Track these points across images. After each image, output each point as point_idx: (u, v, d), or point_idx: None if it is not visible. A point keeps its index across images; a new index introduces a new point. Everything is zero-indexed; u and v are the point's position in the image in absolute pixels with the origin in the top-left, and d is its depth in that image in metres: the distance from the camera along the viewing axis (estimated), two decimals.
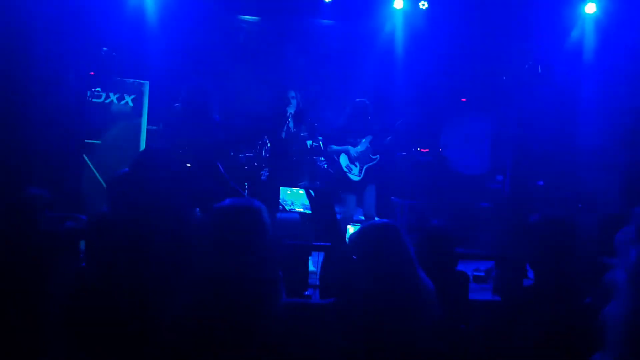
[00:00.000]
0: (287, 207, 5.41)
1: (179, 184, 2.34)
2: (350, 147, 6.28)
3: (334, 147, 6.33)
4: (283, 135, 5.88)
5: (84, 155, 6.00)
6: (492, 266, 5.41)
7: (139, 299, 2.10)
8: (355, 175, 6.32)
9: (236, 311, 1.74)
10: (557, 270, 2.25)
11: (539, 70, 5.15)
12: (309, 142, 5.86)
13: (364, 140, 6.27)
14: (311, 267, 5.47)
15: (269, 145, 6.13)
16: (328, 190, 2.16)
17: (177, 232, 2.21)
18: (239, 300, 1.74)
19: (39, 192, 2.83)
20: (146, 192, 2.27)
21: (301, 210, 5.31)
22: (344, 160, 6.37)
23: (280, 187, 4.98)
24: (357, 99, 6.44)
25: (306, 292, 4.05)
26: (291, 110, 5.88)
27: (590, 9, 7.21)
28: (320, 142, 6.91)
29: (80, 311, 2.12)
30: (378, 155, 6.30)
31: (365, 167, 6.29)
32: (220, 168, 2.53)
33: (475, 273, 5.48)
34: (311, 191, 2.15)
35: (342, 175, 6.31)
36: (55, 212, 3.01)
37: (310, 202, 2.15)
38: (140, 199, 2.26)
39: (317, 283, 4.58)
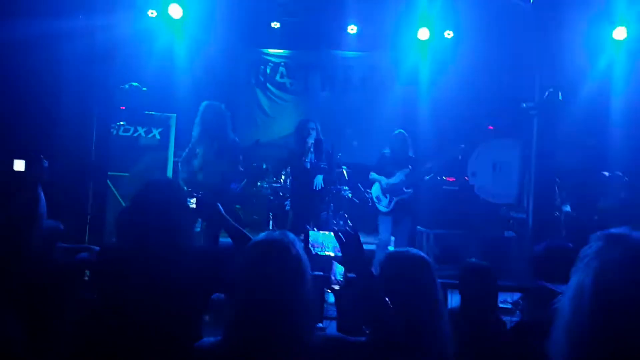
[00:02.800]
0: (317, 250, 5.41)
1: (180, 215, 2.36)
2: (383, 178, 6.28)
3: (374, 174, 6.39)
4: (308, 165, 5.90)
5: (113, 188, 6.14)
6: (519, 298, 5.27)
7: (140, 328, 2.10)
8: (383, 206, 6.29)
9: (271, 345, 1.76)
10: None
11: (560, 97, 5.06)
12: (320, 178, 5.89)
13: (399, 172, 6.24)
14: (332, 299, 5.45)
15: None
16: (356, 232, 2.17)
17: (175, 262, 2.22)
18: (274, 335, 1.76)
19: (51, 224, 2.88)
20: (147, 223, 2.29)
21: (332, 254, 5.31)
22: (375, 190, 6.38)
23: (310, 231, 5.00)
24: (396, 131, 6.45)
25: (320, 325, 4.00)
26: (311, 140, 5.92)
27: (620, 34, 7.07)
28: (345, 172, 6.93)
29: (87, 343, 2.15)
30: (411, 189, 6.26)
31: (395, 200, 6.25)
32: (221, 209, 2.55)
33: (503, 305, 5.35)
34: (340, 234, 2.16)
35: (372, 204, 6.38)
36: (71, 244, 3.07)
37: (340, 244, 2.16)
38: (142, 229, 2.29)
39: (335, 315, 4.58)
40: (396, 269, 2.12)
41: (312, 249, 4.67)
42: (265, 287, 1.78)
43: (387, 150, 6.46)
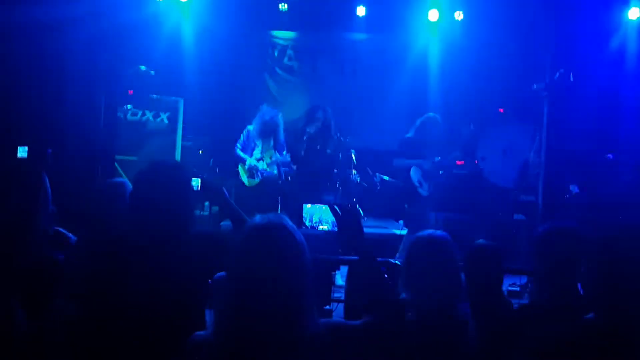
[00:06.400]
0: (311, 225, 5.36)
1: (184, 198, 2.35)
2: (423, 162, 6.24)
3: (405, 160, 6.29)
4: (302, 153, 5.93)
5: (121, 171, 6.16)
6: (527, 281, 5.26)
7: (140, 316, 2.06)
8: (424, 190, 6.26)
9: (268, 338, 1.65)
10: (561, 284, 2.17)
11: (571, 79, 4.98)
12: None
13: (432, 155, 6.22)
14: (340, 282, 5.46)
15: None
16: (353, 206, 2.09)
17: (178, 245, 2.21)
18: (272, 327, 1.65)
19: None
20: (151, 205, 2.27)
21: (326, 227, 5.25)
22: (415, 174, 6.32)
23: (303, 204, 4.95)
24: (429, 114, 6.38)
25: (327, 307, 4.00)
26: (310, 129, 5.92)
27: (634, 14, 6.97)
28: (353, 156, 6.90)
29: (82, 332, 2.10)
30: (442, 171, 6.24)
31: (433, 183, 6.24)
32: (226, 193, 2.54)
33: (511, 288, 5.35)
34: (336, 207, 2.07)
35: (411, 189, 6.26)
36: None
37: (336, 218, 2.09)
38: (145, 211, 2.27)
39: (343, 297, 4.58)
40: (424, 252, 2.09)
41: (305, 225, 4.63)
42: (265, 276, 1.65)
43: (410, 135, 6.39)
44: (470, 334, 2.09)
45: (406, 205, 6.47)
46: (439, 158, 6.35)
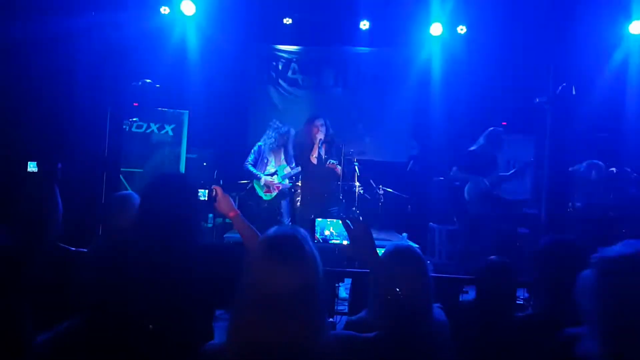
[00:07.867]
0: (324, 238, 5.34)
1: (190, 210, 2.37)
2: (483, 178, 6.21)
3: (464, 174, 6.28)
4: (315, 161, 5.96)
5: (126, 184, 6.19)
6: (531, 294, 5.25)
7: (146, 328, 2.07)
8: (474, 207, 6.22)
9: (280, 349, 1.65)
10: (561, 296, 2.18)
11: (573, 92, 5.01)
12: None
13: (494, 171, 6.20)
14: (343, 294, 5.45)
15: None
16: (365, 220, 2.10)
17: (185, 257, 2.22)
18: (284, 338, 1.65)
19: None
20: (157, 217, 2.29)
21: (338, 241, 5.24)
22: (469, 190, 6.29)
23: (316, 219, 4.96)
24: (491, 128, 6.37)
25: (330, 319, 4.00)
26: (320, 136, 5.95)
27: (636, 28, 6.99)
28: (357, 168, 6.92)
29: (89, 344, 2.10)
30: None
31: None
32: (232, 202, 2.57)
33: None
34: (348, 221, 2.09)
35: (461, 204, 6.30)
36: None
37: (348, 232, 2.10)
38: (152, 224, 2.28)
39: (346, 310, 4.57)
40: (395, 263, 2.11)
41: (317, 238, 4.63)
42: (277, 287, 1.66)
43: (474, 147, 6.35)
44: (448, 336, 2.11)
45: (455, 219, 6.48)
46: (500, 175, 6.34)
